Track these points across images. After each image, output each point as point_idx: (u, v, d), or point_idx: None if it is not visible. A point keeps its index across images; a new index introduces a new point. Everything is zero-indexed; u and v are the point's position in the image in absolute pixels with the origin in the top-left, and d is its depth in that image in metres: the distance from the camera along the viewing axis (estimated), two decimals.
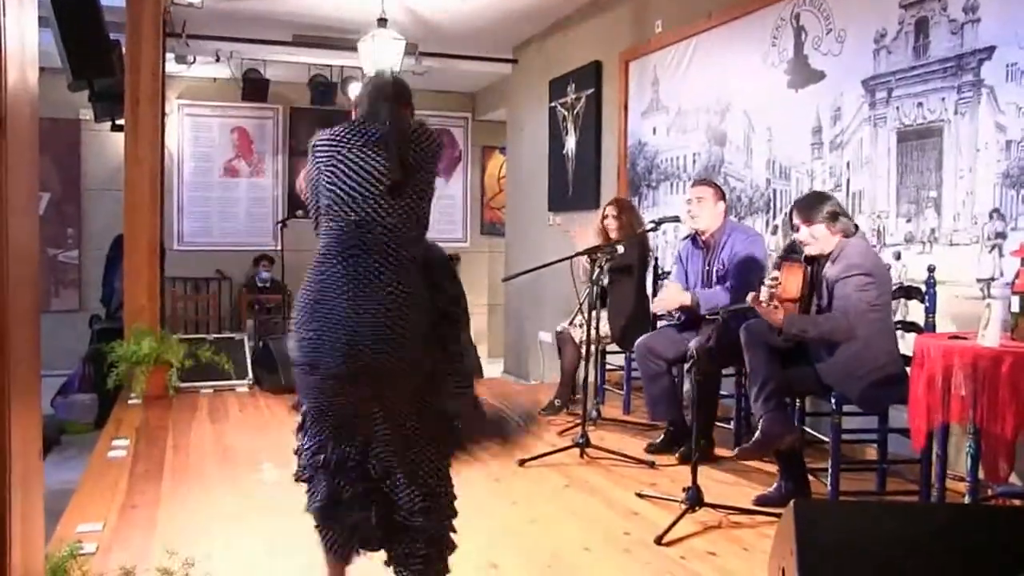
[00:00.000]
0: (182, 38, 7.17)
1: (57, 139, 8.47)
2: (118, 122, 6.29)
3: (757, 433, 3.26)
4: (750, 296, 3.25)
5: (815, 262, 3.35)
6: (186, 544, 2.62)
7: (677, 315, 4.29)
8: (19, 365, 1.27)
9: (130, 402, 5.27)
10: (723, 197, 4.22)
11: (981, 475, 2.74)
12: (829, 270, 3.23)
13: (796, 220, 3.32)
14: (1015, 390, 2.48)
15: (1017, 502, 2.85)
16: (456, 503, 2.24)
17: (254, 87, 8.39)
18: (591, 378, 4.32)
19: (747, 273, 3.98)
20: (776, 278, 3.29)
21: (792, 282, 3.29)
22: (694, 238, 4.28)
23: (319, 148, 2.16)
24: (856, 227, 3.32)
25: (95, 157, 8.81)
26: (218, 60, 7.80)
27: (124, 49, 5.74)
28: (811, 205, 3.30)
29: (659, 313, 4.45)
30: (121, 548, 2.78)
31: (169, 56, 6.99)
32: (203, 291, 9.16)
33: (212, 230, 9.32)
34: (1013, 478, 2.81)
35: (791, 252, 3.44)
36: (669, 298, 4.23)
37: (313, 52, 7.88)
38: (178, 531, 2.95)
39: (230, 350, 5.83)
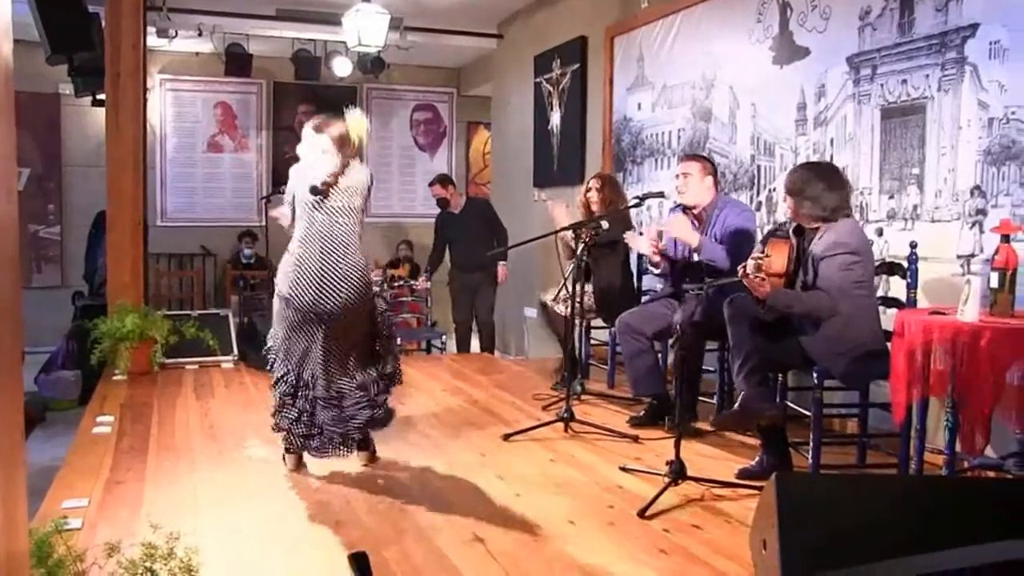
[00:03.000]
0: (163, 11, 7.07)
1: (37, 114, 8.34)
2: (99, 97, 6.21)
3: (736, 405, 3.29)
4: (740, 268, 3.25)
5: (802, 236, 3.36)
6: (172, 520, 2.62)
7: (658, 265, 4.29)
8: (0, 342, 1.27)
9: (114, 378, 5.26)
10: (712, 172, 4.21)
11: (958, 448, 2.79)
12: (815, 245, 3.25)
13: None
14: (993, 365, 2.51)
15: (992, 474, 2.90)
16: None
17: (237, 62, 8.28)
18: (576, 352, 4.34)
19: (741, 245, 3.99)
20: (764, 252, 3.30)
21: (777, 258, 3.31)
22: (684, 209, 4.27)
23: None
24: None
25: (76, 132, 8.71)
26: (200, 34, 7.69)
27: (103, 22, 5.66)
28: None
29: (669, 235, 4.20)
30: (107, 524, 2.79)
31: (150, 30, 6.88)
32: (187, 267, 9.10)
33: (196, 206, 9.24)
34: (988, 451, 2.85)
35: (777, 231, 3.46)
36: (679, 227, 4.09)
37: (297, 26, 7.79)
38: (164, 507, 2.96)
39: (215, 326, 5.81)
